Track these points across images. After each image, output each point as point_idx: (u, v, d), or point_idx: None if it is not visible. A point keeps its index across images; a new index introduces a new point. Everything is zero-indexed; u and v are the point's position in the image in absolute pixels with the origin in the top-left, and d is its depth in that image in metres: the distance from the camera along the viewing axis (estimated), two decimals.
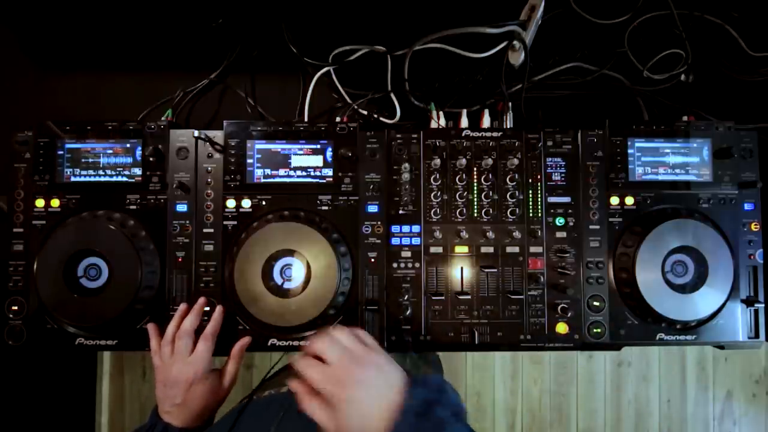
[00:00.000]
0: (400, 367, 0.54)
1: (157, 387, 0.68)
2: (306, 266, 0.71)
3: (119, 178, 0.75)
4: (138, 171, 0.75)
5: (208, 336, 0.70)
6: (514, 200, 0.76)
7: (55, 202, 0.74)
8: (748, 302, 0.75)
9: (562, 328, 0.74)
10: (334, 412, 0.50)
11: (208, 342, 0.70)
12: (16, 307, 0.73)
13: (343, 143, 0.75)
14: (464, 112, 0.81)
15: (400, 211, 0.76)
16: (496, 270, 0.75)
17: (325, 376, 0.52)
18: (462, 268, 0.75)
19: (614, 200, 0.76)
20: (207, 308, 0.73)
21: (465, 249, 0.75)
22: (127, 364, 1.85)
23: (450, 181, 0.76)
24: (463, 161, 0.76)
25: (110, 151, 0.75)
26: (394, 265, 0.75)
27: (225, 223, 0.74)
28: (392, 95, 0.85)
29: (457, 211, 0.76)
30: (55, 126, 0.74)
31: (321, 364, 0.53)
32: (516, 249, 0.75)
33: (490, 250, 0.75)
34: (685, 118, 0.81)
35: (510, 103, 0.81)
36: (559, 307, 0.74)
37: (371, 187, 0.76)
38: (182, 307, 0.72)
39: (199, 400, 0.67)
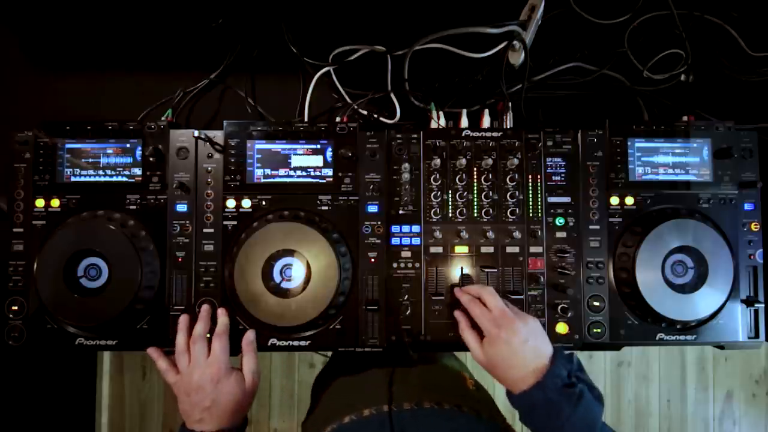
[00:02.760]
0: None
1: (181, 401, 0.67)
2: (306, 266, 0.71)
3: (119, 178, 0.75)
4: (138, 171, 0.75)
5: (221, 334, 0.69)
6: (514, 200, 0.76)
7: (55, 202, 0.74)
8: (748, 302, 0.75)
9: (562, 328, 0.74)
10: (489, 346, 0.61)
11: (223, 340, 0.69)
12: (16, 307, 0.73)
13: (343, 143, 0.75)
14: (464, 112, 0.81)
15: (400, 211, 0.76)
16: (496, 270, 0.75)
17: (489, 316, 0.63)
18: (462, 268, 0.75)
19: (614, 200, 0.76)
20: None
21: (465, 249, 0.75)
22: (127, 364, 1.85)
23: (450, 181, 0.76)
24: (463, 161, 0.76)
25: (110, 151, 0.75)
26: (394, 265, 0.75)
27: (225, 223, 0.74)
28: (392, 95, 0.85)
29: (457, 211, 0.76)
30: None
31: (484, 306, 0.65)
32: (516, 249, 0.75)
33: (490, 250, 0.75)
34: (685, 118, 0.80)
35: (510, 103, 0.81)
36: (559, 307, 0.74)
37: (371, 187, 0.76)
38: (184, 318, 0.71)
39: (228, 396, 0.66)
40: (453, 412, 0.62)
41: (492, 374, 0.63)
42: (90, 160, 0.75)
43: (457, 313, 0.70)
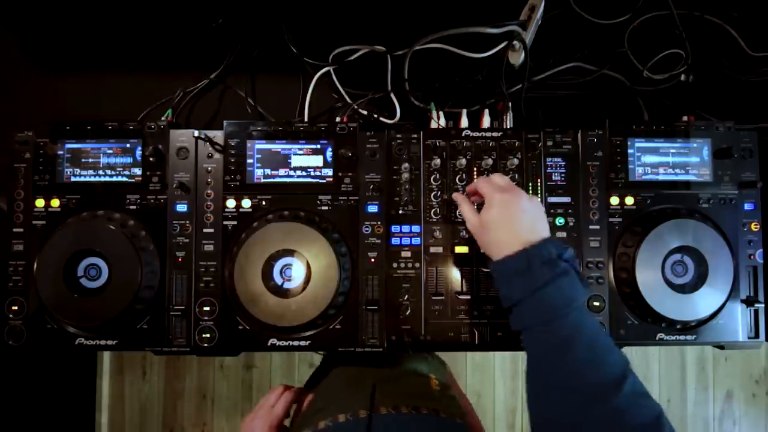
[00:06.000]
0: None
1: None
2: (306, 266, 0.71)
3: (119, 178, 0.75)
4: (138, 171, 0.75)
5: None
6: None
7: (55, 202, 0.74)
8: (748, 302, 0.75)
9: None
10: (487, 209, 0.60)
11: None
12: (16, 307, 0.73)
13: (343, 143, 0.75)
14: (464, 112, 0.81)
15: (400, 211, 0.76)
16: None
17: (496, 186, 0.62)
18: (462, 268, 0.75)
19: (614, 200, 0.76)
20: (207, 308, 0.74)
21: (465, 249, 0.75)
22: (127, 363, 1.85)
23: (450, 181, 0.76)
24: (463, 161, 0.76)
25: (110, 151, 0.75)
26: (394, 265, 0.75)
27: (225, 223, 0.74)
28: (392, 95, 0.85)
29: (458, 211, 0.76)
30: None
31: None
32: None
33: None
34: (685, 118, 0.80)
35: (510, 103, 0.81)
36: None
37: (371, 187, 0.76)
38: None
39: None
40: (411, 416, 0.60)
41: (480, 240, 0.62)
42: (90, 160, 0.75)
43: (456, 195, 0.70)
